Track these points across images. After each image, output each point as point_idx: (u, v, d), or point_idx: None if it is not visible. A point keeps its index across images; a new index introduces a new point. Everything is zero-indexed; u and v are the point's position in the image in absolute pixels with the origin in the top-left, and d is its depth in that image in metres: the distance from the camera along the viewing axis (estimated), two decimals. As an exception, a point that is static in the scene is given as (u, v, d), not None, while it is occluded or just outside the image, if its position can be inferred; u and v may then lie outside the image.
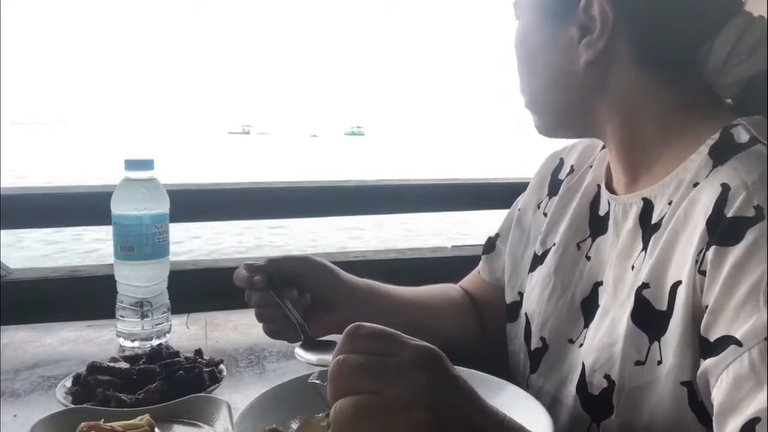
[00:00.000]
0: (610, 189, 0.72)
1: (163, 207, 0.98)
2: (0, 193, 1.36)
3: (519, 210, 0.89)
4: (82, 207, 1.44)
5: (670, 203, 0.60)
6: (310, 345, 0.75)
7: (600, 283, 0.69)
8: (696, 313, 0.53)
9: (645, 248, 0.62)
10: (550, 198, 0.84)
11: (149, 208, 0.96)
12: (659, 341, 0.57)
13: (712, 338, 0.51)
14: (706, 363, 0.51)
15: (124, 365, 0.81)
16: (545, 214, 0.83)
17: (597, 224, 0.73)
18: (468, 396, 0.46)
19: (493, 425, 0.46)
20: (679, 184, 0.60)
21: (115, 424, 0.63)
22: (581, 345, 0.68)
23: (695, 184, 0.58)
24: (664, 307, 0.57)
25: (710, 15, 0.61)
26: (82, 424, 0.62)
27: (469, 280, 0.98)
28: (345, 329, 0.47)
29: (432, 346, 0.46)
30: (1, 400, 0.79)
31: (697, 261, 0.53)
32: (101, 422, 0.63)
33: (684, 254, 0.56)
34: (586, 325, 0.68)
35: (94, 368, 0.79)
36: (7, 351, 0.96)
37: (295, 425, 0.70)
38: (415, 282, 0.95)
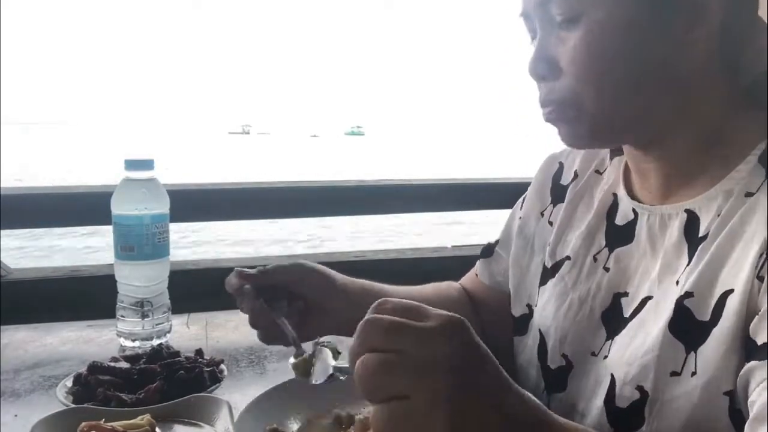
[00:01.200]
0: (633, 197, 0.70)
1: (163, 207, 0.98)
2: (0, 193, 1.36)
3: (520, 218, 0.86)
4: (82, 207, 1.44)
5: (718, 215, 0.58)
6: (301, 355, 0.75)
7: (623, 294, 0.67)
8: (750, 320, 0.52)
9: (690, 261, 0.60)
10: (554, 205, 0.82)
11: (149, 208, 0.96)
12: (696, 352, 0.56)
13: (760, 341, 0.50)
14: (751, 364, 0.50)
15: (124, 365, 0.81)
16: (551, 223, 0.80)
17: (615, 234, 0.71)
18: (492, 363, 0.46)
19: (514, 394, 0.46)
20: (727, 195, 0.58)
21: (116, 424, 0.63)
22: (605, 357, 0.66)
23: (748, 194, 0.57)
24: (706, 317, 0.56)
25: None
26: (83, 423, 0.62)
27: (467, 280, 0.97)
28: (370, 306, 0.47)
29: (457, 315, 0.46)
30: (1, 400, 0.79)
31: (756, 266, 0.52)
32: (102, 422, 0.63)
33: (739, 262, 0.54)
34: (609, 337, 0.66)
35: (95, 368, 0.79)
36: (8, 351, 0.96)
37: (295, 425, 0.70)
38: (415, 282, 0.95)
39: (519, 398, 0.47)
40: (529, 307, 0.81)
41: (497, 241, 0.92)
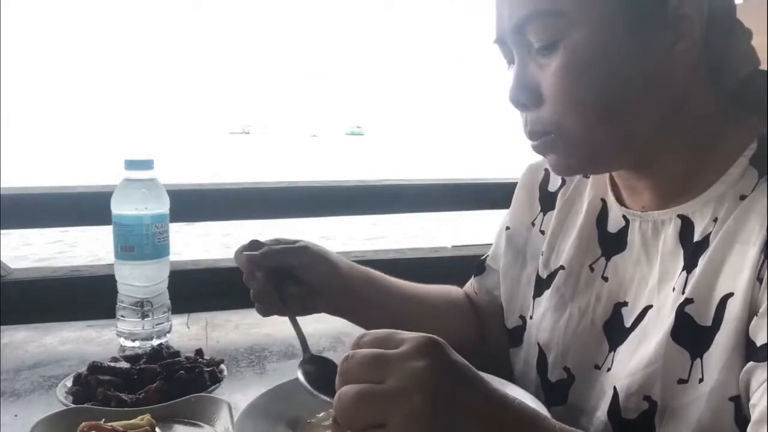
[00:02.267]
0: (621, 202, 0.69)
1: (163, 207, 0.98)
2: (0, 193, 1.36)
3: (508, 229, 0.85)
4: (82, 207, 1.44)
5: (715, 220, 0.58)
6: (312, 362, 0.75)
7: (623, 304, 0.66)
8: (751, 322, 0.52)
9: (686, 267, 0.59)
10: (545, 213, 0.80)
11: (149, 208, 0.96)
12: (701, 358, 0.55)
13: (759, 342, 0.50)
14: (750, 365, 0.50)
15: (124, 365, 0.81)
16: (542, 232, 0.79)
17: (609, 242, 0.69)
18: (471, 380, 0.46)
19: (498, 409, 0.46)
20: (720, 199, 0.58)
21: (116, 424, 0.63)
22: (609, 369, 0.65)
23: (742, 197, 0.56)
24: (708, 322, 0.55)
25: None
26: (83, 423, 0.62)
27: (469, 289, 0.96)
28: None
29: (432, 335, 0.46)
30: (1, 400, 0.79)
31: (757, 268, 0.52)
32: (102, 422, 0.63)
33: (737, 266, 0.54)
34: (612, 348, 0.66)
35: (95, 368, 0.79)
36: (7, 351, 0.96)
37: (295, 425, 0.70)
38: (415, 282, 0.95)
39: (508, 406, 0.46)
40: (522, 318, 0.80)
41: (487, 257, 0.91)
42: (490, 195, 1.83)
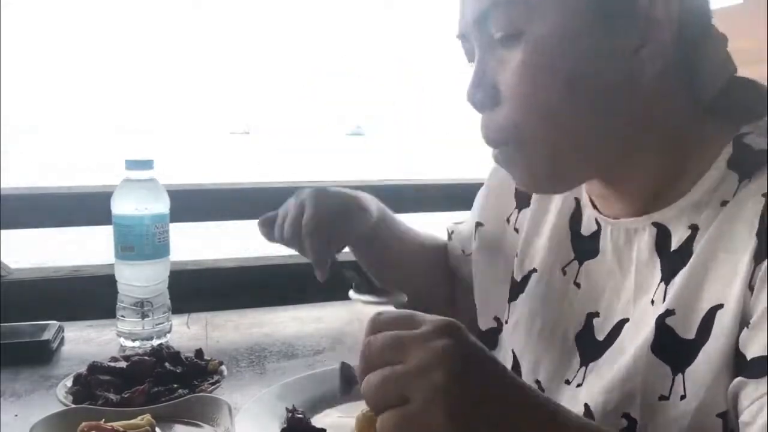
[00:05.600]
0: (594, 205, 0.65)
1: (163, 207, 0.98)
2: (0, 193, 1.36)
3: (481, 225, 0.82)
4: (82, 207, 1.44)
5: (692, 227, 0.55)
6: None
7: (595, 314, 0.63)
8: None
9: (664, 278, 0.56)
10: (519, 210, 0.76)
11: (149, 208, 0.96)
12: (683, 373, 0.52)
13: (750, 356, 0.47)
14: (739, 380, 0.48)
15: (124, 365, 0.81)
16: (517, 230, 0.76)
17: (582, 245, 0.66)
18: (490, 362, 0.46)
19: (512, 388, 0.46)
20: (697, 206, 0.55)
21: (116, 424, 0.63)
22: (579, 385, 0.62)
23: (723, 203, 0.53)
24: (691, 335, 0.52)
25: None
26: (83, 423, 0.62)
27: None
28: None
29: (451, 318, 0.47)
30: (1, 400, 0.79)
31: (748, 277, 0.49)
32: (102, 422, 0.63)
33: (725, 276, 0.51)
34: (583, 363, 0.62)
35: (95, 368, 0.79)
36: (8, 351, 0.96)
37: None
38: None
39: (525, 389, 0.47)
40: (497, 320, 0.77)
41: (452, 232, 0.91)
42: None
